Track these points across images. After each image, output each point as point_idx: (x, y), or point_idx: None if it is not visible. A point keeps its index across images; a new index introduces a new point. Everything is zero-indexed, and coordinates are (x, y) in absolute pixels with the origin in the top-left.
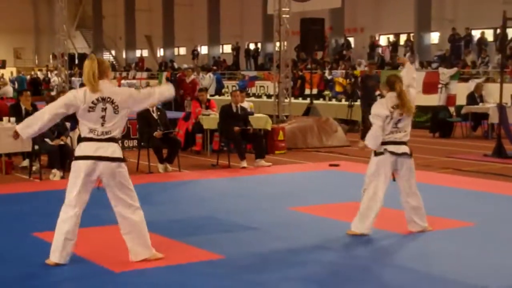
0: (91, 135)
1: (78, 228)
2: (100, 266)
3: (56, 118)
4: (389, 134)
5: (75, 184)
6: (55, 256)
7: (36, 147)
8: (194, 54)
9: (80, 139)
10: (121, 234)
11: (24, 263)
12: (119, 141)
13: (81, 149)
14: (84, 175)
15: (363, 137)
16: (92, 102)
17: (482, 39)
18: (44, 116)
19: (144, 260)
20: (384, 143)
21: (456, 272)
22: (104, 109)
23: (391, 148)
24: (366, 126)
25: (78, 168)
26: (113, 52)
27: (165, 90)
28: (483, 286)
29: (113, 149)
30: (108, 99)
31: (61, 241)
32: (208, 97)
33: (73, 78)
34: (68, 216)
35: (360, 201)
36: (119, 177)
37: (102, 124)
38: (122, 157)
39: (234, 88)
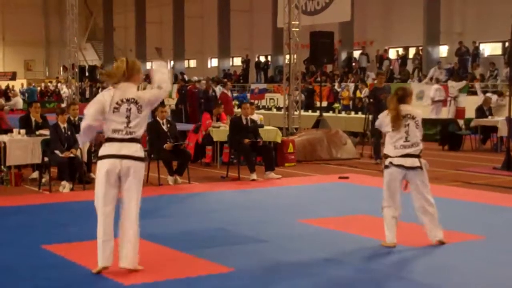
0: (114, 135)
1: (88, 241)
2: (109, 279)
3: (99, 121)
4: (399, 148)
5: (100, 183)
6: (99, 260)
7: (46, 159)
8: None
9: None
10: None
11: (33, 276)
12: (140, 141)
13: (105, 149)
14: (107, 171)
15: (375, 152)
16: (117, 103)
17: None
18: (85, 125)
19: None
20: (391, 156)
21: (468, 286)
22: (129, 110)
23: (397, 161)
24: (377, 141)
25: (101, 165)
26: None
27: (167, 86)
28: None
29: (136, 149)
30: (132, 100)
31: (100, 244)
32: None
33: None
34: (101, 218)
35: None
36: (135, 174)
37: (127, 124)
38: (143, 156)
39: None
